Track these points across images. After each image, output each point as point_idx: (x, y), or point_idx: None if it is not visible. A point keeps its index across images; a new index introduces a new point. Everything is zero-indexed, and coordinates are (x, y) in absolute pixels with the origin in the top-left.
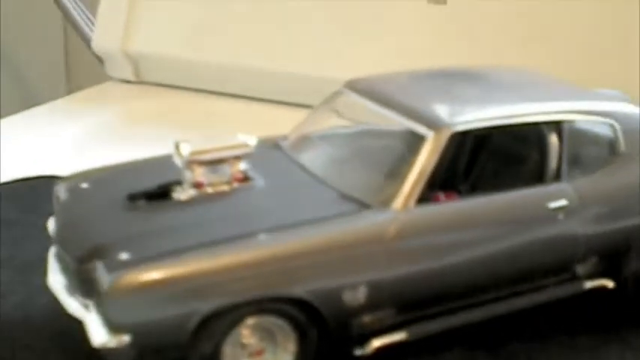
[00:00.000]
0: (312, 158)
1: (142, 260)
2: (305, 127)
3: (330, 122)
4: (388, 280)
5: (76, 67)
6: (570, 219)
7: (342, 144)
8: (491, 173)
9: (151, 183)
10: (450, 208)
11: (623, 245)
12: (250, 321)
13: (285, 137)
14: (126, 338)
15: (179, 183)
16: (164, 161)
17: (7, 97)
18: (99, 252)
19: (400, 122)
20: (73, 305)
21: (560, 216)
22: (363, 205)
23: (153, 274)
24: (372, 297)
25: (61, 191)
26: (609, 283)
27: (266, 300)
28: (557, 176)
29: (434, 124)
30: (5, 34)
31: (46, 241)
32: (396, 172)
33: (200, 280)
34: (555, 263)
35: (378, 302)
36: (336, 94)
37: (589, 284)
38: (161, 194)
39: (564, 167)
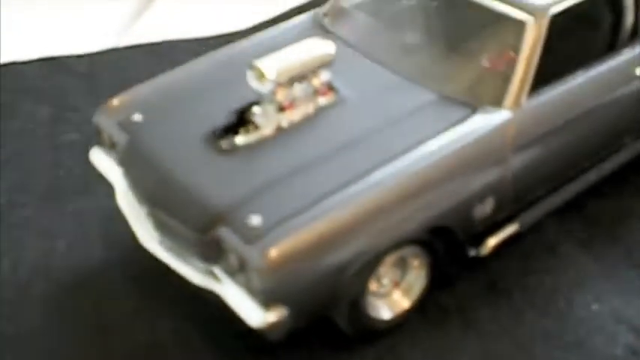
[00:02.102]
0: (388, 49)
1: (277, 224)
2: (350, 4)
3: None
4: (511, 182)
5: None
6: None
7: (415, 28)
8: (579, 46)
9: (218, 108)
10: (557, 93)
11: None
12: (390, 258)
13: (324, 12)
14: (284, 310)
15: (254, 104)
16: (220, 67)
17: None
18: (220, 217)
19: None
20: (192, 273)
21: None
22: (471, 109)
23: (295, 239)
24: (498, 203)
25: (110, 127)
26: None
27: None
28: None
29: (533, 4)
30: None
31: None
32: (496, 64)
33: (342, 234)
34: (636, 123)
35: (503, 206)
36: None
37: None
38: (241, 122)
39: None
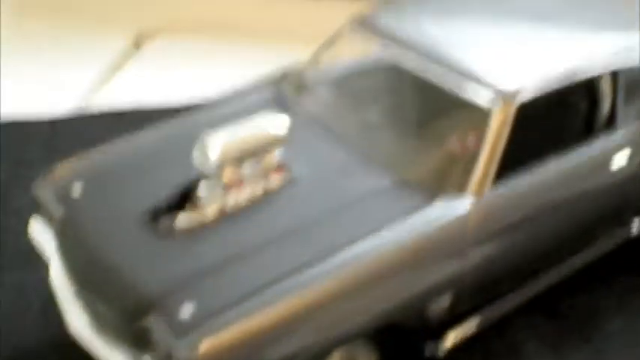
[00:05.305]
0: (349, 127)
1: (210, 316)
2: (315, 77)
3: (344, 72)
4: (471, 276)
5: None
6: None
7: (374, 105)
8: (550, 134)
9: (162, 184)
10: (524, 182)
11: None
12: (337, 354)
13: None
14: None
15: (199, 180)
16: (168, 140)
17: None
18: (151, 304)
19: (445, 79)
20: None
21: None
22: (430, 195)
23: (229, 333)
24: (457, 298)
25: (48, 199)
26: None
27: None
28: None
29: (500, 91)
30: None
31: None
32: (459, 149)
33: (283, 328)
34: (610, 218)
35: (461, 301)
36: (345, 32)
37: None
38: (186, 199)
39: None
